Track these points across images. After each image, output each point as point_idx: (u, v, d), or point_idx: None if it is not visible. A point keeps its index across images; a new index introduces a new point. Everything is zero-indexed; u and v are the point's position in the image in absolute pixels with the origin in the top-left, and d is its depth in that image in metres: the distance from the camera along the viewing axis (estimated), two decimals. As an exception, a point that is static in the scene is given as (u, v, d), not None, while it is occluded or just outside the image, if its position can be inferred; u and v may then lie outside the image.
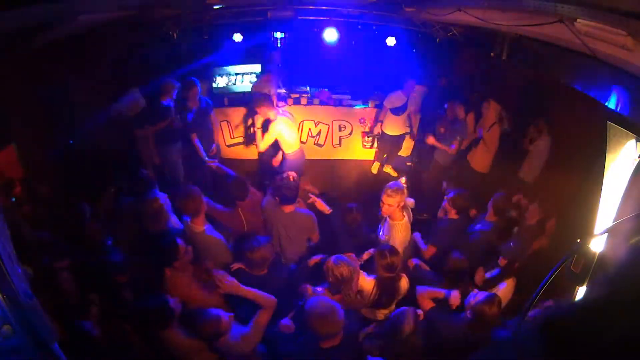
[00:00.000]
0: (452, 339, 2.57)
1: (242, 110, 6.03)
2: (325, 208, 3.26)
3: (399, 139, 6.06)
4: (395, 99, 5.61)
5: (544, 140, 4.54)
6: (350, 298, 2.79)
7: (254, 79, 6.40)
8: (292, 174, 3.37)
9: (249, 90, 6.29)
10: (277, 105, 5.10)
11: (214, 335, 2.36)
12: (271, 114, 4.51)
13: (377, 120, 6.08)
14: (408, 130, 6.06)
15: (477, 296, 2.55)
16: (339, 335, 2.24)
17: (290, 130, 4.69)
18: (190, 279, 2.83)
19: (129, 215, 3.50)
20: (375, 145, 6.47)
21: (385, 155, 6.25)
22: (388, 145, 6.10)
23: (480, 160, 5.09)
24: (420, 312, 2.55)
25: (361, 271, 2.95)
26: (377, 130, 6.02)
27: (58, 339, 1.19)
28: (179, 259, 2.74)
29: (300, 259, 3.40)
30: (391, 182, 3.25)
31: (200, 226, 3.11)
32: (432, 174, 5.51)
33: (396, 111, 5.66)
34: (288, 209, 3.22)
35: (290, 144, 4.74)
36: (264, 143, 4.67)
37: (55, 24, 2.67)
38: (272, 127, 4.55)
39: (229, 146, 6.37)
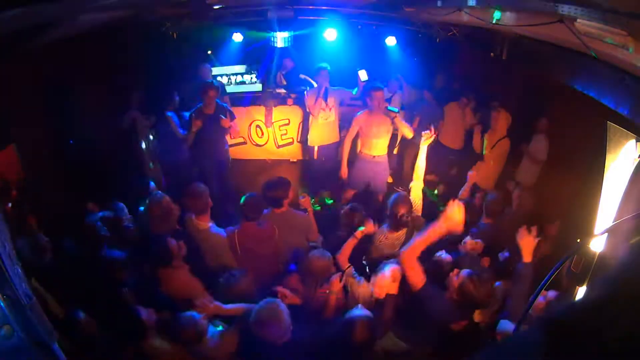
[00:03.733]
0: (440, 319, 2.52)
1: (242, 110, 6.03)
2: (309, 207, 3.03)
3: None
4: None
5: (542, 142, 4.52)
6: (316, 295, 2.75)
7: (254, 79, 6.41)
8: (282, 177, 3.30)
9: (249, 90, 6.30)
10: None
11: (194, 339, 2.32)
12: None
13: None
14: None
15: (460, 275, 2.47)
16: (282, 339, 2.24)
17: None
18: (187, 275, 2.82)
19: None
20: None
21: None
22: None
23: (485, 175, 4.88)
24: (368, 316, 2.32)
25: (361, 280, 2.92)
26: None
27: (58, 339, 1.19)
28: (174, 258, 2.74)
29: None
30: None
31: (205, 223, 3.11)
32: (410, 157, 5.50)
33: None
34: (279, 210, 3.21)
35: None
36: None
37: (55, 24, 2.67)
38: None
39: (229, 146, 6.36)
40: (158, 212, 3.09)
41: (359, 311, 2.33)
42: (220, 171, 5.02)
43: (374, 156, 4.46)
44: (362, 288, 2.84)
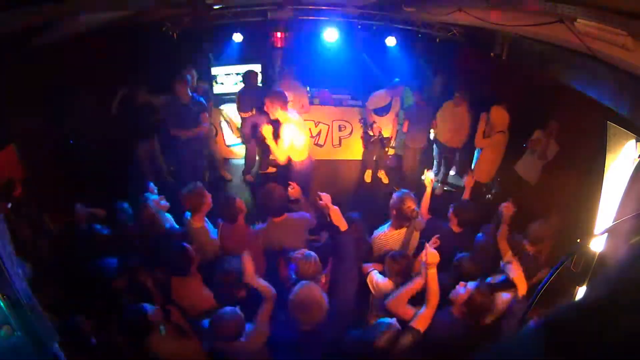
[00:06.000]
0: (447, 337, 2.51)
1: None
2: (342, 222, 2.63)
3: (384, 140, 5.85)
4: (377, 99, 5.49)
5: (549, 142, 4.50)
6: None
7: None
8: (275, 185, 3.19)
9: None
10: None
11: (235, 336, 2.30)
12: (280, 115, 4.00)
13: (365, 122, 5.90)
14: (396, 131, 5.87)
15: (467, 287, 2.47)
16: (319, 324, 2.24)
17: (300, 134, 4.13)
18: (199, 282, 2.79)
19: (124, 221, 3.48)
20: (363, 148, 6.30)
21: (375, 159, 6.08)
22: (377, 148, 5.94)
23: (485, 169, 5.01)
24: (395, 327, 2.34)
25: (375, 273, 2.89)
26: (376, 131, 5.72)
27: (58, 339, 1.20)
28: (192, 265, 2.72)
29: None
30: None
31: (200, 222, 3.13)
32: (408, 159, 5.79)
33: (379, 111, 5.52)
34: (278, 219, 3.17)
35: (299, 151, 4.19)
36: (282, 152, 4.03)
37: (55, 24, 2.67)
38: (284, 131, 4.00)
39: (229, 146, 6.37)
40: (143, 217, 3.14)
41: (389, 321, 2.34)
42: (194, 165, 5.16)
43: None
44: (385, 285, 2.83)
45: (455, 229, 3.39)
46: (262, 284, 2.51)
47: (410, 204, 3.07)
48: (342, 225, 2.61)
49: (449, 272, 2.97)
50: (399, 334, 2.29)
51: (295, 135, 4.04)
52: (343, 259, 2.58)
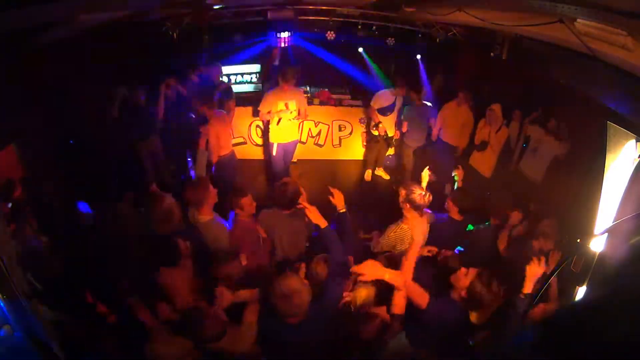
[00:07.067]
0: (449, 324, 2.48)
1: (242, 110, 6.03)
2: (320, 220, 2.72)
3: (389, 140, 5.91)
4: (381, 98, 5.51)
5: (551, 139, 4.50)
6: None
7: (254, 79, 6.40)
8: (289, 180, 3.30)
9: (249, 90, 6.31)
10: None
11: (218, 336, 2.28)
12: (204, 113, 4.43)
13: (368, 121, 5.94)
14: (398, 131, 5.88)
15: (467, 274, 2.44)
16: (302, 315, 2.25)
17: (219, 131, 4.50)
18: (191, 277, 2.78)
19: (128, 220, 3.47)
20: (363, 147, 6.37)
21: (375, 159, 6.12)
22: (378, 147, 5.97)
23: (485, 163, 5.07)
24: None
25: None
26: (381, 131, 5.70)
27: (57, 339, 1.20)
28: (182, 257, 2.71)
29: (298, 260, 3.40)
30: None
31: (207, 216, 3.13)
32: (408, 158, 5.82)
33: (383, 111, 5.54)
34: (287, 211, 3.22)
35: (218, 147, 4.57)
36: (212, 148, 4.46)
37: (55, 24, 2.67)
38: (207, 130, 4.38)
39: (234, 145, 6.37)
40: (160, 212, 3.07)
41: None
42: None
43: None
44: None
45: (457, 217, 3.43)
46: (246, 293, 2.48)
47: (419, 190, 3.13)
48: (321, 222, 2.71)
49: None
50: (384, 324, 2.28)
51: (215, 132, 4.44)
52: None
